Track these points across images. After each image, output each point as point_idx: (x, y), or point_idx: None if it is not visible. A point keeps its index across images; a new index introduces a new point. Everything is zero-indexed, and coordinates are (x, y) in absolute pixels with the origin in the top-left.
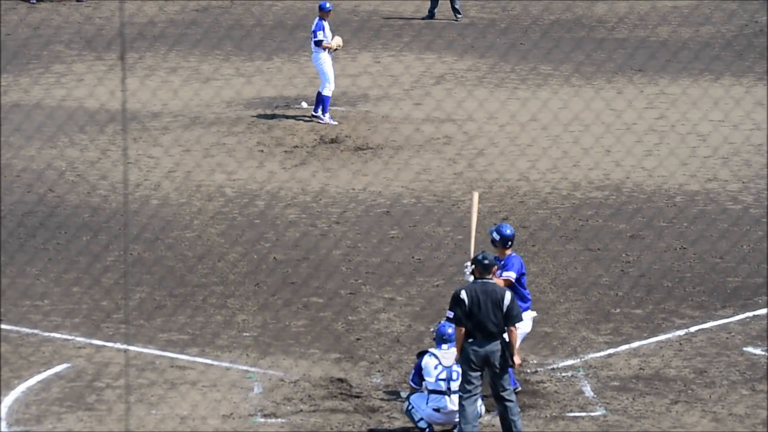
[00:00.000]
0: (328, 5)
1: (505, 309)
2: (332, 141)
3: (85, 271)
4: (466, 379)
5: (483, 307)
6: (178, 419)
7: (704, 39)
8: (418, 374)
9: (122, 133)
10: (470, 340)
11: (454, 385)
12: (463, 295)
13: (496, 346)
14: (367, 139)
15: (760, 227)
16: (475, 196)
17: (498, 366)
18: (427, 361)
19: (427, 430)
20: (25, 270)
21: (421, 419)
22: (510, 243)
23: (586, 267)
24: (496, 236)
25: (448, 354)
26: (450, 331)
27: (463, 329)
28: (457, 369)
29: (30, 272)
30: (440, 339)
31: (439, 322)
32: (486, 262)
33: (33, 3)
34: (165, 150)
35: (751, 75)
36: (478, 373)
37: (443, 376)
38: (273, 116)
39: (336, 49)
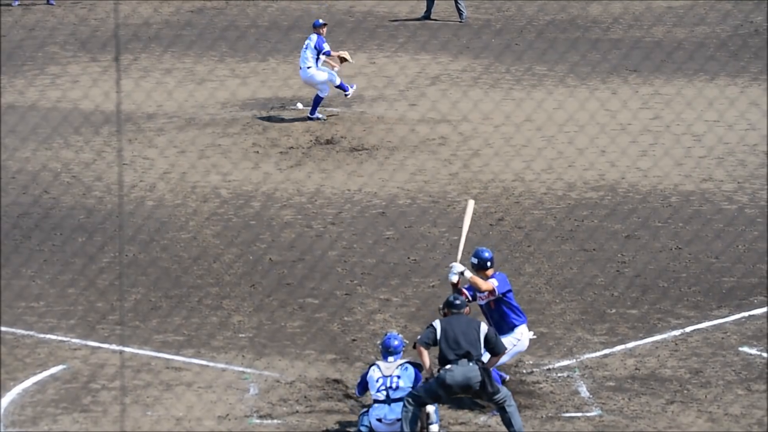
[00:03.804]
0: (321, 21)
1: (482, 338)
2: (327, 142)
3: (81, 272)
4: (418, 398)
5: (457, 330)
6: (174, 420)
7: (699, 39)
8: (362, 385)
9: (117, 134)
10: (447, 366)
11: (394, 394)
12: (436, 323)
13: (473, 371)
14: (363, 140)
15: (755, 227)
16: (471, 204)
17: (480, 392)
18: (371, 374)
19: None
20: (20, 271)
21: (365, 425)
22: (489, 264)
23: (581, 267)
24: (475, 260)
25: (392, 365)
26: (396, 343)
27: (426, 351)
28: (398, 379)
29: (25, 274)
30: (386, 351)
31: (386, 334)
32: (457, 302)
33: (10, 7)
34: (160, 151)
35: (746, 75)
36: (437, 403)
37: (383, 386)
38: (268, 117)
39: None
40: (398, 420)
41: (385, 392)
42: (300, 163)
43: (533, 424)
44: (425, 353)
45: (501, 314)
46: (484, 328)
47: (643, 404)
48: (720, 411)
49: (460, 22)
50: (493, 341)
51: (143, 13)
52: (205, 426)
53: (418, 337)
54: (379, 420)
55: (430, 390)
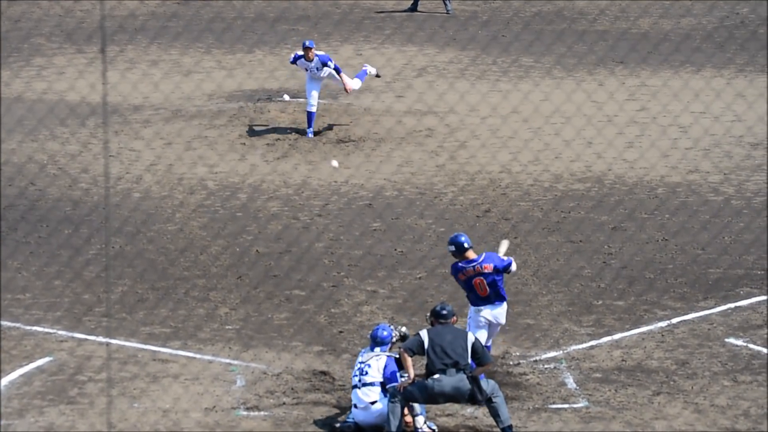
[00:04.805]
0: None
1: (469, 348)
2: (314, 134)
3: (67, 264)
4: (408, 394)
5: (445, 340)
6: (161, 412)
7: (685, 31)
8: None
9: (103, 126)
10: (435, 376)
11: (365, 379)
12: (424, 333)
13: (462, 381)
14: (349, 132)
15: (741, 218)
16: (504, 243)
17: (469, 400)
18: (357, 359)
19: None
20: (6, 263)
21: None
22: (468, 245)
23: (568, 259)
24: (452, 247)
25: (371, 354)
26: (384, 334)
27: (409, 358)
28: (368, 367)
29: (11, 266)
30: (373, 341)
31: (377, 325)
32: (444, 312)
33: None
34: (146, 143)
35: (732, 66)
36: (426, 404)
37: (358, 371)
38: (255, 109)
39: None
40: (372, 403)
41: (358, 378)
42: (286, 154)
43: (520, 415)
44: (409, 359)
45: (495, 289)
46: (471, 338)
47: (629, 395)
48: (706, 402)
49: (447, 13)
50: (480, 352)
51: (129, 5)
52: (192, 418)
53: (403, 342)
54: (355, 406)
55: (419, 391)
